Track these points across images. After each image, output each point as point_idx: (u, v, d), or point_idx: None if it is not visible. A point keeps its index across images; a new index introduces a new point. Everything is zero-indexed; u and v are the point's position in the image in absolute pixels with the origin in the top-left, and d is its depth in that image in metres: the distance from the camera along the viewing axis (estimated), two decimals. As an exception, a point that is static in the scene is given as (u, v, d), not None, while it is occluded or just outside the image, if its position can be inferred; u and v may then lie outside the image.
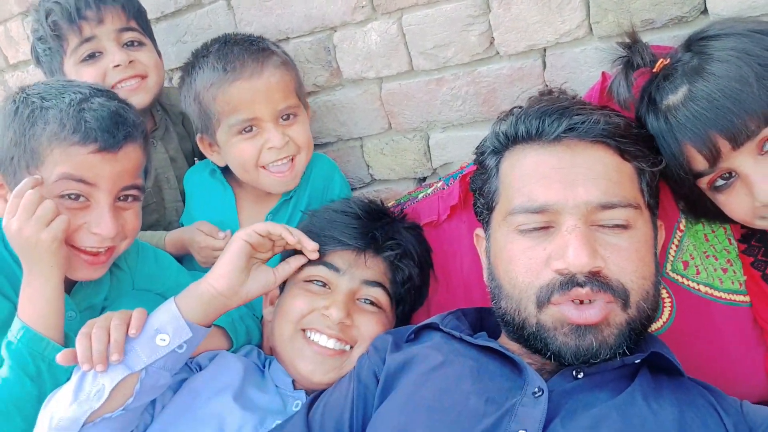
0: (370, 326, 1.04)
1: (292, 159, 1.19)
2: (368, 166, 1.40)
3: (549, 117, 0.83)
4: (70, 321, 1.04)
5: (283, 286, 1.15)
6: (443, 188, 1.20)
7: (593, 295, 0.75)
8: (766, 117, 0.74)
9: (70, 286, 1.06)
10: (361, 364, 0.95)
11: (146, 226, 1.35)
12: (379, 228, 1.09)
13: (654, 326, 0.96)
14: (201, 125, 1.21)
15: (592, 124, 0.81)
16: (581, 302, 0.76)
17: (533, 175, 0.82)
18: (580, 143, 0.81)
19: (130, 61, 1.25)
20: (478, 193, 0.96)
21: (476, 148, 0.96)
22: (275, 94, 1.14)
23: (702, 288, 0.93)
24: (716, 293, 0.92)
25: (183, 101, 1.24)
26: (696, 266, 0.93)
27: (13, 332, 0.91)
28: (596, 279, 0.75)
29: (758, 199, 0.77)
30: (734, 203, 0.81)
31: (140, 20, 1.31)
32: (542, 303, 0.78)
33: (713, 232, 0.92)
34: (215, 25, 1.38)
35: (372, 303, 1.06)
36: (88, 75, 1.24)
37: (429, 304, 1.17)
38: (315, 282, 1.08)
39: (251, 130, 1.15)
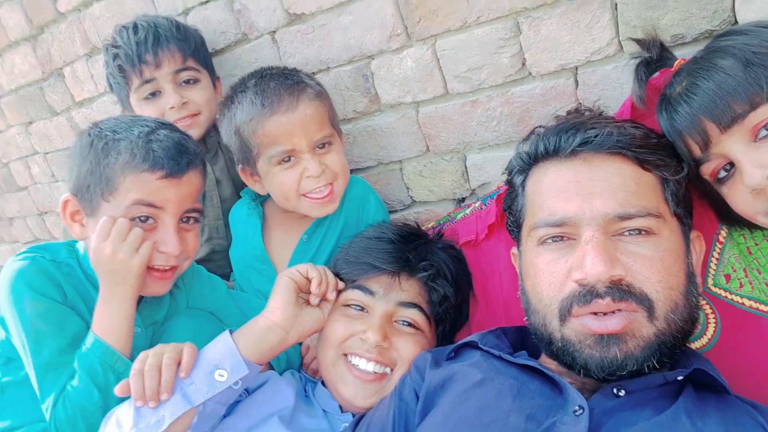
0: (408, 347, 1.06)
1: (330, 185, 1.23)
2: (408, 188, 1.43)
3: (565, 133, 0.85)
4: (136, 336, 1.12)
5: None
6: (481, 208, 1.22)
7: (614, 305, 0.75)
8: (753, 101, 0.74)
9: (136, 303, 1.14)
10: (402, 383, 0.97)
11: None
12: (412, 250, 1.13)
13: (698, 343, 0.94)
14: (242, 157, 1.28)
15: (606, 137, 0.82)
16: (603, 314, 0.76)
17: (552, 189, 0.84)
18: (597, 156, 0.83)
19: (184, 103, 1.38)
20: (508, 211, 0.98)
21: (505, 169, 0.98)
22: (311, 126, 1.20)
23: (747, 302, 0.91)
24: (762, 307, 0.90)
25: (223, 134, 1.31)
26: (739, 279, 0.91)
27: (87, 345, 1.00)
28: (617, 288, 0.75)
29: (746, 183, 0.76)
30: (735, 195, 0.80)
31: (197, 55, 1.41)
32: (564, 316, 0.78)
33: (756, 245, 0.90)
34: (261, 58, 1.46)
35: (410, 324, 1.09)
36: (148, 112, 1.38)
37: (470, 323, 1.18)
38: (353, 306, 1.11)
39: (289, 160, 1.21)
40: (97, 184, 1.02)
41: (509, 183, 0.97)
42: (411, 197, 1.44)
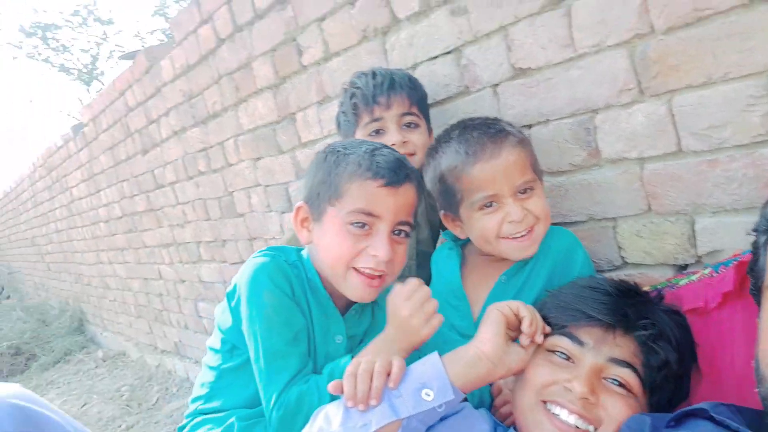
0: (617, 407, 0.98)
1: (531, 228, 1.25)
2: (620, 248, 1.37)
3: None
4: (338, 344, 1.21)
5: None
6: (711, 275, 1.12)
7: None
8: None
9: (343, 311, 1.24)
10: None
11: None
12: (631, 306, 1.06)
13: None
14: (444, 203, 1.35)
15: None
16: None
17: None
18: None
19: (404, 142, 1.49)
20: (749, 273, 0.90)
21: (752, 229, 0.91)
22: (513, 172, 1.24)
23: None
24: None
25: (427, 181, 1.39)
26: None
27: (346, 360, 1.13)
28: None
29: None
30: None
31: (421, 104, 1.54)
32: None
33: None
34: (480, 109, 1.53)
35: (620, 385, 1.01)
36: None
37: (690, 400, 1.07)
38: (558, 353, 1.07)
39: (491, 205, 1.25)
40: (326, 192, 1.16)
41: (754, 244, 0.89)
42: (623, 258, 1.37)
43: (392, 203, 1.14)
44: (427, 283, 1.47)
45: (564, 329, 1.08)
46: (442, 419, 1.08)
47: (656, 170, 1.23)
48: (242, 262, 3.17)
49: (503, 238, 1.26)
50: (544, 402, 1.04)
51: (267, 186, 2.66)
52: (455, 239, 1.45)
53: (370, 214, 1.13)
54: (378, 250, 1.13)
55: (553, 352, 1.07)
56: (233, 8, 2.36)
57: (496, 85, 1.49)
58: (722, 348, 1.05)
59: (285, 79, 2.26)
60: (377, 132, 1.50)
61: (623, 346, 1.02)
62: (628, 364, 1.01)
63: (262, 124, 2.51)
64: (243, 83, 2.52)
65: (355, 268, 1.16)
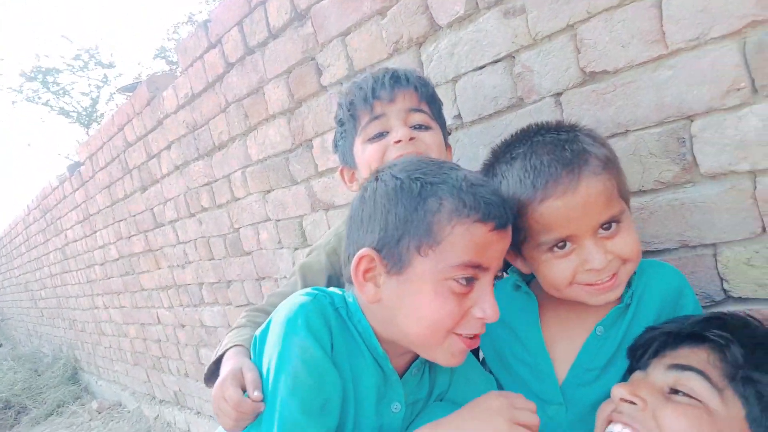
0: None
1: (615, 274, 0.99)
2: (723, 279, 1.14)
3: None
4: (394, 414, 0.95)
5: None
6: None
7: None
8: None
9: (401, 373, 0.98)
10: None
11: None
12: None
13: None
14: None
15: None
16: None
17: None
18: None
19: (411, 138, 1.19)
20: None
21: None
22: (594, 207, 0.96)
23: None
24: None
25: None
26: None
27: None
28: None
29: None
30: None
31: (433, 105, 1.27)
32: None
33: None
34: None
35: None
36: (371, 151, 1.21)
37: None
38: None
39: (565, 245, 0.99)
40: (414, 235, 0.86)
41: None
42: (725, 291, 1.14)
43: (501, 250, 0.90)
44: None
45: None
46: None
47: (775, 185, 1.02)
48: (249, 304, 2.93)
49: (577, 284, 1.01)
50: None
51: (278, 221, 2.44)
52: (522, 276, 1.16)
53: (479, 267, 0.87)
54: (486, 312, 0.88)
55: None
56: (245, 29, 2.18)
57: (560, 94, 1.28)
58: None
59: (301, 103, 2.07)
60: (380, 135, 1.21)
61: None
62: None
63: (273, 153, 2.31)
64: (253, 109, 2.32)
65: (455, 333, 0.89)
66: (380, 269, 0.89)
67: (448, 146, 1.31)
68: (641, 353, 0.98)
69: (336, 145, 1.37)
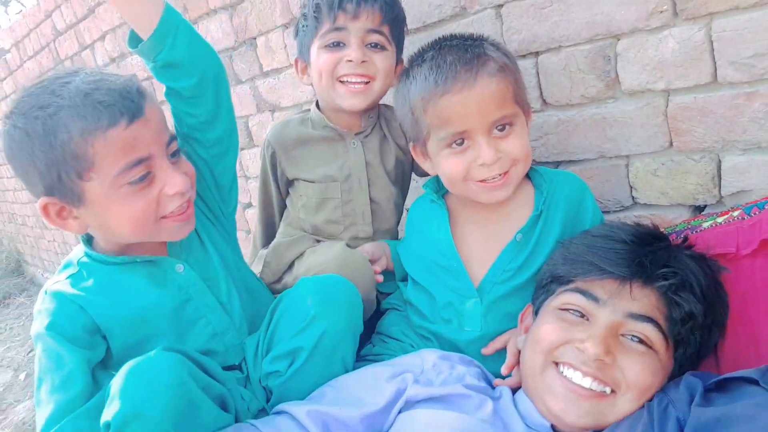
0: (636, 369, 0.90)
1: (506, 172, 1.11)
2: (632, 187, 1.27)
3: None
4: (180, 273, 1.13)
5: (537, 313, 1.07)
6: (742, 218, 1.04)
7: None
8: None
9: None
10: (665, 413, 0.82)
11: (330, 221, 1.40)
12: (649, 254, 0.97)
13: None
14: (413, 135, 1.19)
15: None
16: None
17: None
18: None
19: (363, 61, 1.27)
20: None
21: None
22: (489, 105, 1.06)
23: None
24: None
25: (397, 109, 1.23)
26: None
27: None
28: None
29: None
30: None
31: (394, 26, 1.31)
32: None
33: None
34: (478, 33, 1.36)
35: (641, 341, 0.93)
36: (324, 59, 1.29)
37: (721, 352, 1.01)
38: (571, 311, 0.98)
39: (462, 143, 1.10)
40: (67, 169, 0.91)
41: None
42: (633, 198, 1.28)
43: (150, 134, 0.98)
44: None
45: (575, 285, 0.99)
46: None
47: (684, 104, 1.12)
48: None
49: (472, 180, 1.12)
50: (556, 364, 0.96)
51: (224, 120, 2.41)
52: (437, 189, 1.28)
53: (140, 161, 0.97)
54: (176, 185, 0.99)
55: (566, 310, 0.98)
56: None
57: (500, 6, 1.31)
58: (755, 298, 0.99)
59: (244, -2, 1.99)
60: (336, 45, 1.27)
61: (642, 299, 0.94)
62: (648, 319, 0.93)
63: (216, 51, 2.24)
64: (192, 3, 2.22)
65: (163, 217, 1.02)
66: (66, 206, 0.96)
67: (400, 62, 1.37)
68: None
69: (296, 33, 1.42)
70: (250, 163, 2.35)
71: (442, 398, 1.00)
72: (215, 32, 2.20)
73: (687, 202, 1.19)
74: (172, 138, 1.01)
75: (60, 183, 0.92)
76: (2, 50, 4.14)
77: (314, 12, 1.29)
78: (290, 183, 1.45)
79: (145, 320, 1.06)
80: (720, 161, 1.12)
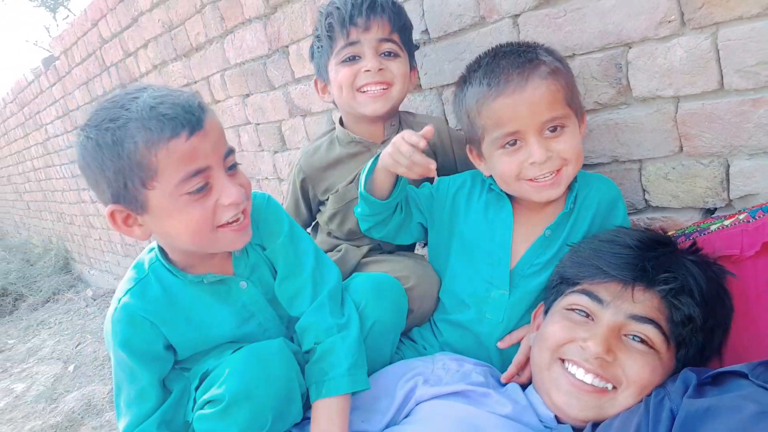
0: (636, 367, 0.96)
1: (558, 171, 1.15)
2: (645, 191, 1.31)
3: None
4: (244, 289, 1.19)
5: (547, 312, 1.14)
6: (747, 221, 1.08)
7: None
8: None
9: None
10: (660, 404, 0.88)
11: (352, 231, 1.48)
12: (652, 259, 1.02)
13: None
14: (469, 137, 1.26)
15: None
16: None
17: None
18: None
19: (380, 69, 1.34)
20: None
21: None
22: (540, 107, 1.11)
23: None
24: None
25: (456, 114, 1.29)
26: None
27: None
28: None
29: None
30: None
31: (403, 34, 1.39)
32: None
33: None
34: (497, 42, 1.39)
35: (642, 341, 0.98)
36: (343, 73, 1.37)
37: (727, 350, 1.05)
38: (577, 311, 1.04)
39: (515, 143, 1.15)
40: (132, 177, 0.96)
41: None
42: (646, 201, 1.32)
43: (210, 145, 1.01)
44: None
45: (581, 286, 1.05)
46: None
47: (692, 110, 1.16)
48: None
49: (524, 180, 1.17)
50: (562, 360, 1.02)
51: (258, 124, 2.53)
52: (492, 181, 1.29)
53: (200, 172, 1.00)
54: (231, 196, 1.03)
55: (573, 310, 1.05)
56: (216, -73, 2.15)
57: (517, 15, 1.37)
58: (758, 298, 1.02)
59: (276, 8, 2.09)
60: (352, 58, 1.35)
61: (644, 302, 0.99)
62: (649, 320, 0.98)
63: (251, 58, 2.35)
64: (229, 12, 2.33)
65: (219, 226, 1.05)
66: (132, 214, 1.03)
67: (414, 68, 1.44)
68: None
69: (312, 56, 1.50)
70: (283, 166, 2.45)
71: (449, 395, 1.07)
72: (250, 41, 2.31)
73: (697, 204, 1.23)
74: (230, 151, 1.05)
75: (126, 191, 0.98)
76: (52, 57, 4.37)
77: (327, 32, 1.38)
78: (321, 202, 1.55)
79: (210, 335, 1.15)
80: (729, 165, 1.16)
